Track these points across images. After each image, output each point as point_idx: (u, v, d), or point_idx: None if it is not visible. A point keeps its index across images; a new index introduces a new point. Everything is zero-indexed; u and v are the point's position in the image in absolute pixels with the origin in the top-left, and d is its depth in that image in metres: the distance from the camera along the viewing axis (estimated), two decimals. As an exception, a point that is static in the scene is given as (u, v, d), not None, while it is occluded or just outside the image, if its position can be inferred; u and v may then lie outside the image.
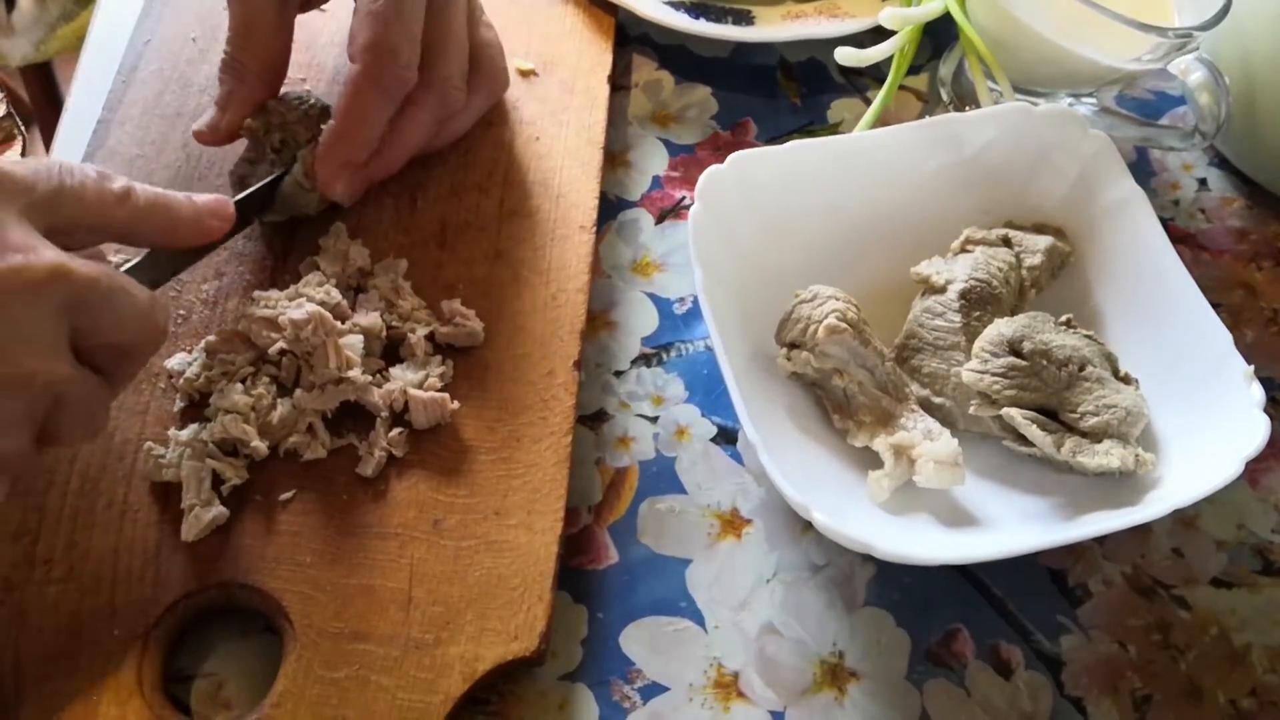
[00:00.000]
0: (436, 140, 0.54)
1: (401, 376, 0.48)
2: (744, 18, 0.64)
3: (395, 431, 0.47)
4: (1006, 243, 0.52)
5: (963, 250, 0.52)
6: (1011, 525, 0.46)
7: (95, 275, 0.38)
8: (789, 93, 0.64)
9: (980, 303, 0.50)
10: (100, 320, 0.39)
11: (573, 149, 0.57)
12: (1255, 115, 0.58)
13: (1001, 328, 0.48)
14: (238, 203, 0.47)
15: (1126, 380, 0.49)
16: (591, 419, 0.51)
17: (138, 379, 0.48)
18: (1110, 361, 0.49)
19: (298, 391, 0.47)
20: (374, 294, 0.50)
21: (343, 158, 0.50)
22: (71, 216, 0.40)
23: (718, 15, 0.63)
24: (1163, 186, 0.62)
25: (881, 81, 0.61)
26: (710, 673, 0.45)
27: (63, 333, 0.38)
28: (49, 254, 0.37)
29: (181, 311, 0.50)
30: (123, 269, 0.44)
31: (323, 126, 0.50)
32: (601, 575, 0.47)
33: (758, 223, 0.51)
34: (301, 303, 0.47)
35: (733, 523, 0.49)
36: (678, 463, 0.50)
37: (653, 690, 0.44)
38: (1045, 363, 0.47)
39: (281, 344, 0.47)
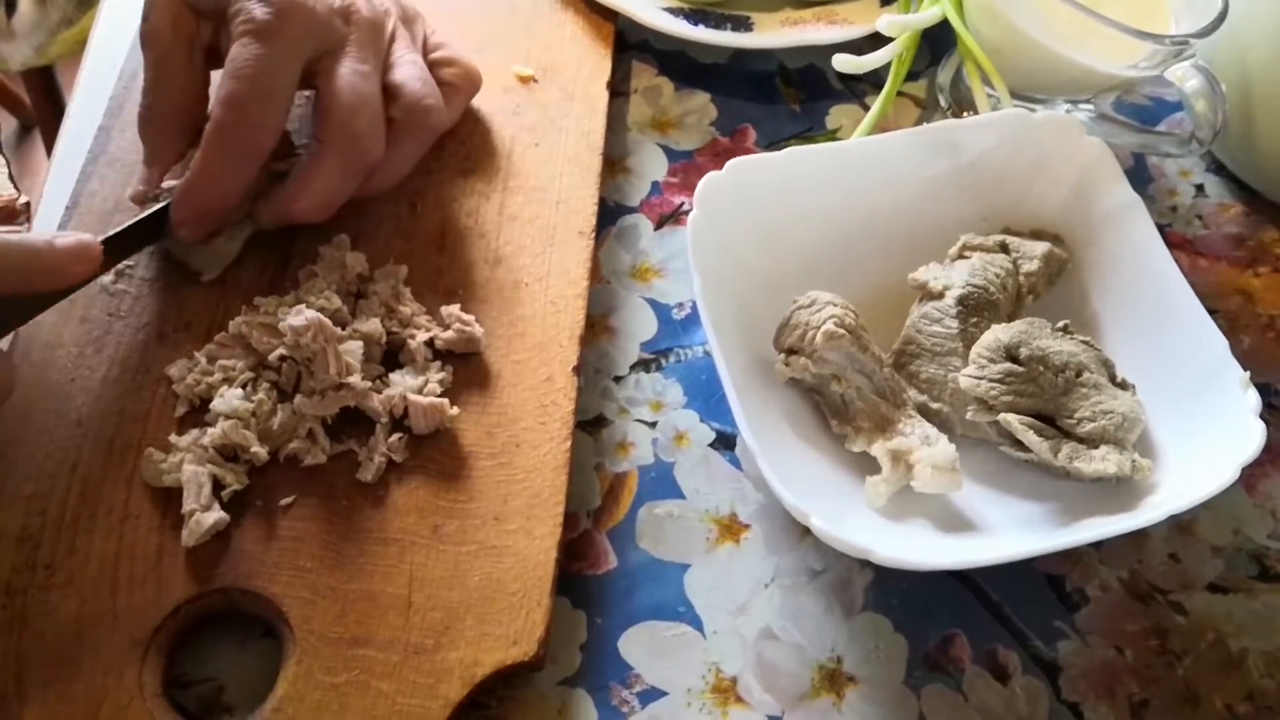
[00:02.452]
0: (371, 186, 0.52)
1: (401, 382, 0.48)
2: (743, 24, 0.64)
3: (395, 437, 0.47)
4: (1004, 249, 0.52)
5: (960, 256, 0.52)
6: (1009, 531, 0.47)
7: None
8: (788, 99, 0.64)
9: (978, 309, 0.50)
10: None
11: (572, 155, 0.57)
12: (1252, 122, 0.58)
13: (999, 333, 0.48)
14: (109, 240, 0.46)
15: (1123, 386, 0.49)
16: (590, 424, 0.51)
17: (138, 384, 0.48)
18: (1107, 367, 0.49)
19: (298, 397, 0.47)
20: (374, 300, 0.50)
21: (193, 208, 0.49)
22: None
23: (717, 22, 0.64)
24: (1160, 193, 0.62)
25: (880, 88, 0.61)
26: (709, 678, 0.45)
27: None
28: None
29: (183, 317, 0.50)
30: None
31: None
32: (600, 580, 0.47)
33: (756, 229, 0.51)
34: (300, 309, 0.47)
35: (731, 528, 0.49)
36: (676, 468, 0.50)
37: (651, 695, 0.44)
38: (1042, 368, 0.47)
39: (281, 350, 0.47)
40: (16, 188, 0.75)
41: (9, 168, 0.79)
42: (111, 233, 0.47)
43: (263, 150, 0.49)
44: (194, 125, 0.51)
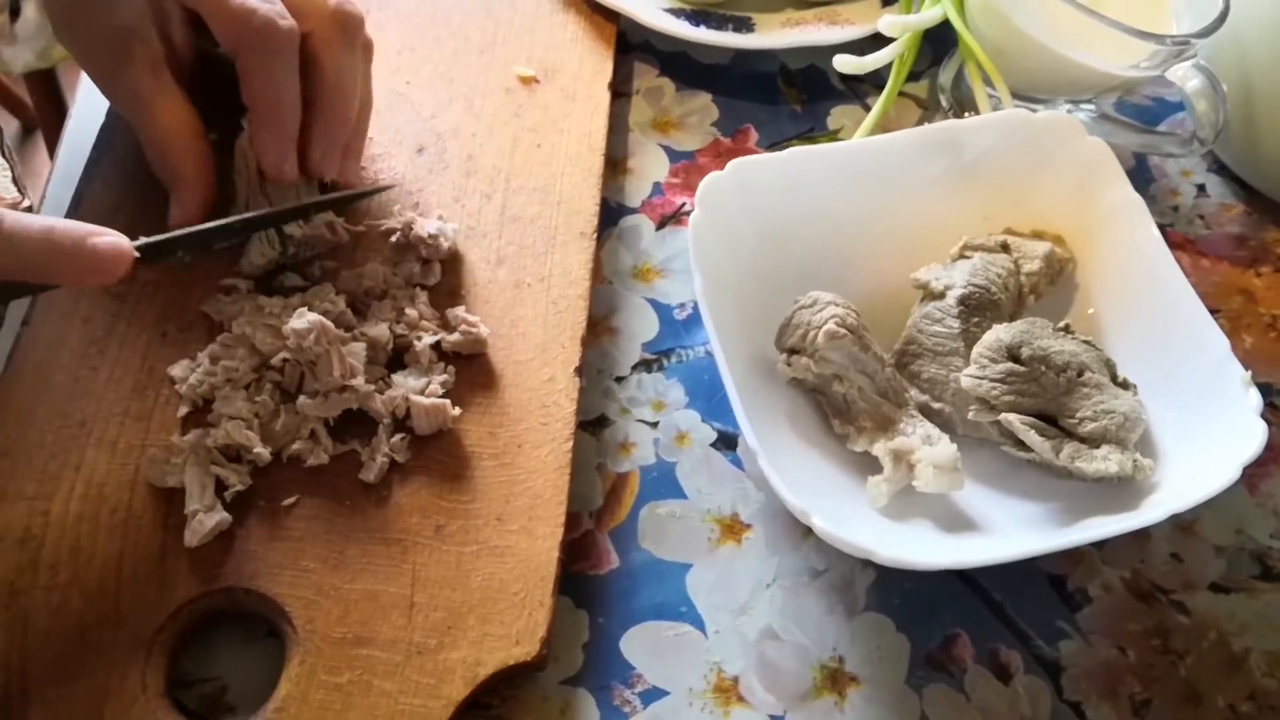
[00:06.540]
0: (354, 125, 0.52)
1: (403, 383, 0.48)
2: (744, 25, 0.64)
3: (397, 438, 0.47)
4: (1005, 249, 0.52)
5: (961, 256, 0.52)
6: (1011, 530, 0.47)
7: None
8: (789, 99, 0.64)
9: (979, 309, 0.50)
10: None
11: (574, 155, 0.58)
12: (1253, 121, 0.58)
13: (1000, 333, 0.48)
14: (145, 247, 0.44)
15: (1125, 386, 0.49)
16: (592, 424, 0.51)
17: (141, 385, 0.48)
18: (1109, 367, 0.49)
19: (301, 398, 0.47)
20: (387, 303, 0.50)
21: (275, 141, 0.49)
22: None
23: (718, 22, 0.64)
24: (1161, 193, 0.62)
25: (881, 88, 0.61)
26: (710, 677, 0.45)
27: None
28: None
29: (186, 317, 0.50)
30: None
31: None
32: (602, 580, 0.47)
33: (758, 229, 0.52)
34: (303, 312, 0.47)
35: (733, 528, 0.49)
36: (678, 468, 0.50)
37: (653, 695, 0.45)
38: (1044, 368, 0.47)
39: (284, 352, 0.47)
40: (21, 191, 0.74)
41: (14, 170, 0.79)
42: (147, 241, 0.45)
43: (293, 49, 0.48)
44: (202, 138, 0.50)
